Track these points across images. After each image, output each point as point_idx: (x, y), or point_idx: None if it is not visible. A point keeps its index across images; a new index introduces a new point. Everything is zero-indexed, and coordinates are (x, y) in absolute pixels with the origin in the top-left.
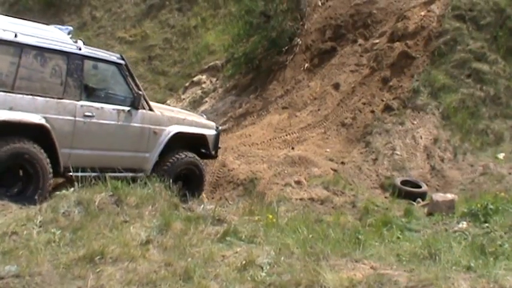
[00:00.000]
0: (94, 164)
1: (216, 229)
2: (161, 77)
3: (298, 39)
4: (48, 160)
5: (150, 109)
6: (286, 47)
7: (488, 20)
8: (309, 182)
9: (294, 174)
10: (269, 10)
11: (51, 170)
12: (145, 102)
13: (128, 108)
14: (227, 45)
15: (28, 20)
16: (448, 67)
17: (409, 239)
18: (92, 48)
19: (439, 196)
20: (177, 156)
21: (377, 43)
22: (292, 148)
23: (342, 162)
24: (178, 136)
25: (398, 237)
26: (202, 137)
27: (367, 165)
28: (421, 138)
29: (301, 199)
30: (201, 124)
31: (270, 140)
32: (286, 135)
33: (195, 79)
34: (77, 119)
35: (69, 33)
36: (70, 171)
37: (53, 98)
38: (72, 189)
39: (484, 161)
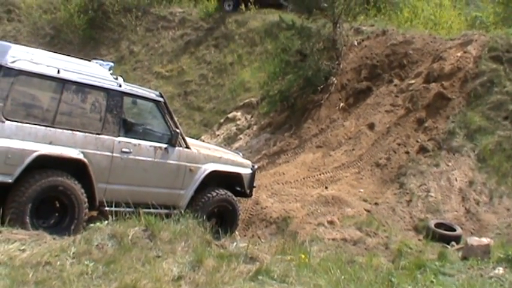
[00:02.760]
0: (129, 200)
1: (248, 267)
2: (196, 112)
3: (334, 79)
4: (84, 193)
5: (187, 146)
6: (322, 86)
7: None
8: (342, 222)
9: (327, 214)
10: (305, 49)
11: (86, 204)
12: (182, 140)
13: (165, 146)
14: (263, 82)
15: (69, 55)
16: (485, 109)
17: (443, 283)
18: (131, 84)
19: (474, 240)
20: (212, 193)
21: (413, 83)
22: (326, 188)
23: (376, 203)
24: (213, 174)
25: (432, 281)
26: (237, 176)
27: (400, 206)
28: (456, 180)
29: (333, 239)
30: (236, 163)
31: (304, 178)
32: (320, 175)
33: (230, 115)
34: (114, 154)
35: (110, 69)
36: (105, 206)
37: (91, 133)
38: (106, 222)
39: None
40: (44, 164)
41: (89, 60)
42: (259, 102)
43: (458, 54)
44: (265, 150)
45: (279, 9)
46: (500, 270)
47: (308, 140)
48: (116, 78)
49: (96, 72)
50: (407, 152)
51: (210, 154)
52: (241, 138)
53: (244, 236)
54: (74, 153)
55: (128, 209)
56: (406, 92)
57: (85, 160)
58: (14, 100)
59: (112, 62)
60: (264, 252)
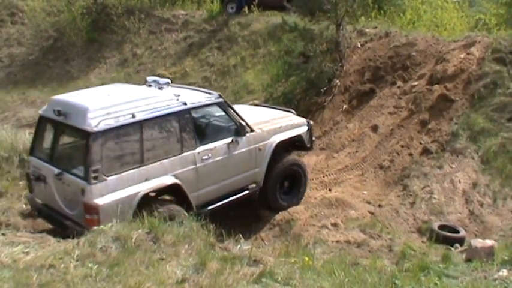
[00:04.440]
0: (217, 195)
1: (251, 270)
2: None
3: (337, 81)
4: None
5: (252, 130)
6: (325, 88)
7: None
8: (345, 225)
9: (330, 216)
10: (308, 51)
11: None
12: (246, 126)
13: (235, 138)
14: (266, 84)
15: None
16: (488, 110)
17: (447, 285)
18: (191, 93)
19: (478, 242)
20: (282, 161)
21: (416, 85)
22: (329, 190)
23: (379, 205)
24: (279, 144)
25: (435, 284)
26: (298, 137)
27: (404, 208)
28: (460, 182)
29: (337, 242)
30: (294, 125)
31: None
32: (324, 177)
33: None
34: (197, 165)
35: (167, 85)
36: (201, 208)
37: (175, 155)
38: (110, 224)
39: None
40: (149, 197)
41: (145, 82)
42: None
43: (462, 55)
44: None
45: (282, 12)
46: (504, 272)
47: None
48: (178, 96)
49: (162, 98)
50: (410, 154)
51: (271, 128)
52: None
53: (248, 238)
54: (168, 180)
55: (218, 204)
56: (409, 93)
57: (177, 181)
58: (107, 157)
59: (168, 79)
60: (267, 254)
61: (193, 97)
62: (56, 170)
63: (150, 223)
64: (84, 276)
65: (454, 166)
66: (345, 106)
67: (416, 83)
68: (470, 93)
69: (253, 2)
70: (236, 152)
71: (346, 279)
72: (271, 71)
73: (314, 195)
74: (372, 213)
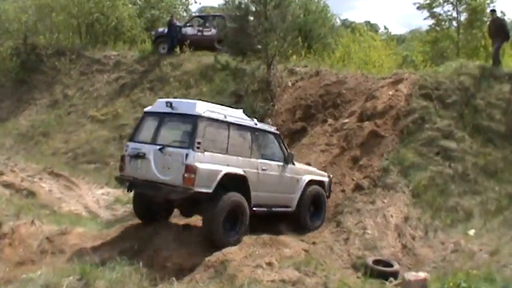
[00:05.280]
0: (266, 202)
1: None
2: None
3: (269, 120)
4: (247, 204)
5: (293, 163)
6: None
7: (454, 98)
8: (280, 263)
9: (265, 256)
10: (240, 90)
11: (248, 209)
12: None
13: (283, 164)
14: None
15: None
16: (417, 145)
17: None
18: (259, 123)
19: (411, 275)
20: (310, 190)
21: (347, 122)
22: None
23: (313, 243)
24: (309, 182)
25: None
26: (321, 182)
27: (338, 245)
28: (392, 216)
29: (272, 281)
30: (319, 174)
31: None
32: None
33: None
34: (259, 171)
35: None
36: (255, 207)
37: (246, 157)
38: (39, 272)
39: (455, 238)
40: (225, 179)
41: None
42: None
43: (390, 92)
44: None
45: (213, 52)
46: None
47: None
48: (252, 119)
49: (241, 115)
50: (343, 191)
51: (306, 168)
52: None
53: (182, 280)
54: (240, 171)
55: (266, 209)
56: (340, 131)
57: (246, 175)
58: (206, 138)
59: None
60: None
61: (260, 124)
62: (158, 146)
63: (81, 269)
64: None
65: (386, 201)
66: None
67: (347, 120)
68: (399, 129)
69: (185, 42)
70: (282, 174)
71: None
72: None
73: (248, 235)
74: (307, 251)
